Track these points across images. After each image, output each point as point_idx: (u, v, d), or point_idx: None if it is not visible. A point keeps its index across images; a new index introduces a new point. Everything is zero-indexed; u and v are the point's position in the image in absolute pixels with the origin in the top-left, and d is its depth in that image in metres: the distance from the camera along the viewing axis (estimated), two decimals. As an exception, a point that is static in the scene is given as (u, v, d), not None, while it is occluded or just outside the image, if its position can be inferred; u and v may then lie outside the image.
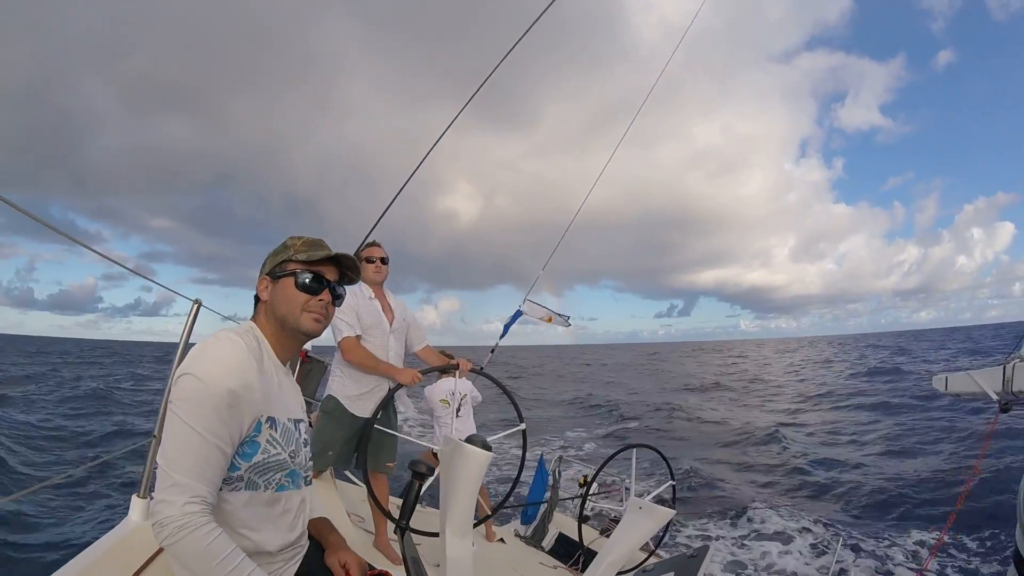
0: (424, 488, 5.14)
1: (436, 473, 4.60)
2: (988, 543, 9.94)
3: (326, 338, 4.16)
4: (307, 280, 1.95)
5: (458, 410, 6.34)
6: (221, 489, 1.73)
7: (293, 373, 2.46)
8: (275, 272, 1.98)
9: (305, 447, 2.05)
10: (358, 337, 4.15)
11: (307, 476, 2.07)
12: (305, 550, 2.08)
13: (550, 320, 6.67)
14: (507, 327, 6.47)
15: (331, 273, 2.02)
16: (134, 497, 2.54)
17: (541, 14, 4.25)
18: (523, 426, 4.50)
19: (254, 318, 2.00)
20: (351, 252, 4.32)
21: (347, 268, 2.08)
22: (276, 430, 1.85)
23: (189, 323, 2.83)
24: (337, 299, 2.05)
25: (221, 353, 1.72)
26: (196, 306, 2.86)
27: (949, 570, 9.34)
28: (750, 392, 37.82)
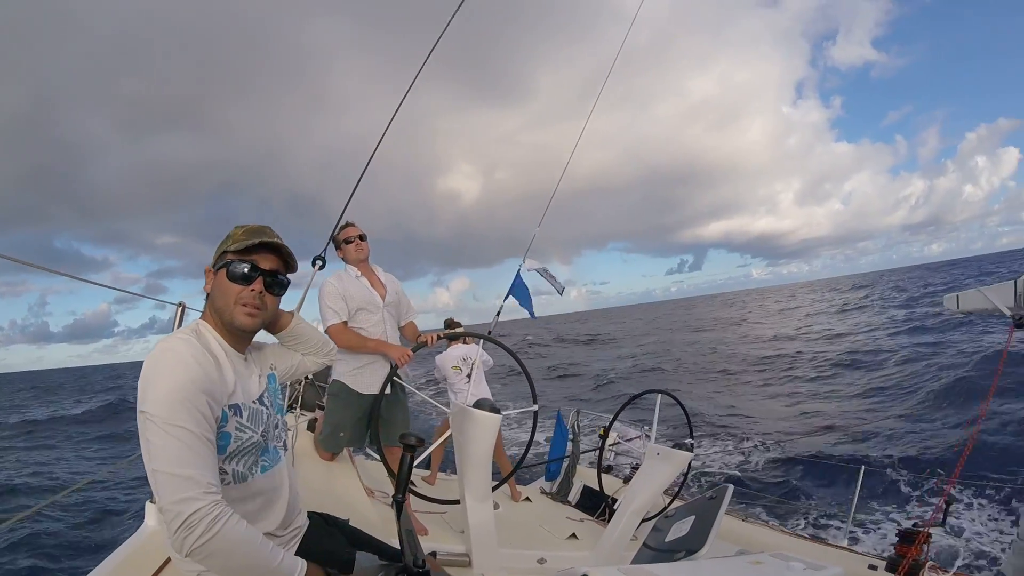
0: (423, 457, 5.17)
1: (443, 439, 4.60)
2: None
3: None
4: (239, 270, 1.88)
5: (469, 375, 6.39)
6: None
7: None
8: (216, 264, 1.93)
9: (273, 420, 2.02)
10: (345, 323, 4.16)
11: (282, 443, 2.06)
12: (303, 531, 2.11)
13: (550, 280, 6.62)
14: (512, 288, 6.45)
15: (268, 262, 1.94)
16: (148, 503, 2.56)
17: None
18: (535, 407, 4.50)
19: (203, 315, 1.97)
20: (331, 235, 4.34)
21: (287, 256, 2.01)
22: (243, 416, 1.84)
23: (176, 326, 2.83)
24: (277, 288, 1.99)
25: (173, 353, 1.69)
26: (180, 308, 2.86)
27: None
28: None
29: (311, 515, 2.25)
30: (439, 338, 4.46)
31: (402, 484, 1.88)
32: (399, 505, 1.87)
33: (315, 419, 5.86)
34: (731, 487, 3.59)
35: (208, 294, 1.94)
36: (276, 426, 2.02)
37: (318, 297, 4.21)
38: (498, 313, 6.46)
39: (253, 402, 1.91)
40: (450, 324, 6.68)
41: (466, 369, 6.40)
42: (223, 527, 1.52)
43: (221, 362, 1.82)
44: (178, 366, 1.66)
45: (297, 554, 1.90)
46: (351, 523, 2.47)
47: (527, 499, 6.44)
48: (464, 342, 6.60)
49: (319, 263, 4.19)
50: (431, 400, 5.09)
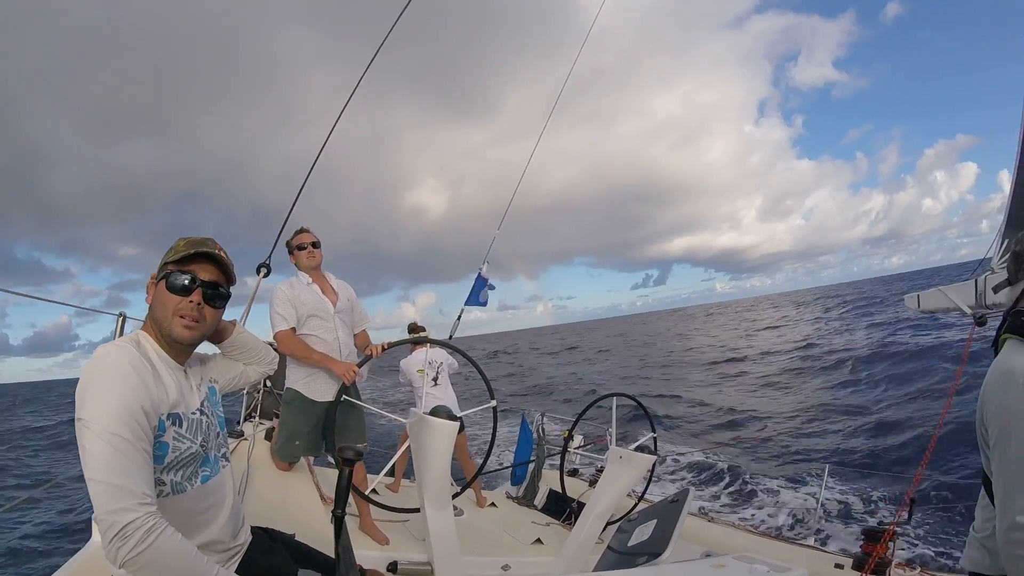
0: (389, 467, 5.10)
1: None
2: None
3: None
4: (179, 281, 1.86)
5: (435, 379, 6.31)
6: None
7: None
8: (158, 275, 1.90)
9: (213, 430, 1.98)
10: (293, 330, 4.09)
11: (223, 453, 2.02)
12: (245, 547, 2.04)
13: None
14: (472, 291, 6.46)
15: (207, 272, 1.91)
16: (94, 518, 2.46)
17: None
18: (494, 403, 4.44)
19: (144, 326, 1.92)
20: (285, 241, 4.24)
21: (227, 268, 1.97)
22: (181, 426, 1.79)
23: (117, 335, 2.73)
24: (218, 300, 1.95)
25: (110, 361, 1.66)
26: (121, 319, 2.76)
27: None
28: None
29: (254, 530, 2.18)
30: (384, 349, 4.36)
31: (340, 499, 1.81)
32: (338, 521, 1.80)
33: (273, 428, 5.74)
34: (692, 490, 3.56)
35: (150, 305, 1.90)
36: (216, 436, 1.98)
37: (269, 303, 4.14)
38: (458, 318, 6.45)
39: (193, 412, 1.87)
40: (414, 328, 6.62)
41: (431, 373, 6.33)
42: (156, 539, 1.48)
43: (160, 371, 1.79)
44: (115, 374, 1.63)
45: (238, 571, 1.88)
46: (304, 535, 2.41)
47: (492, 504, 6.37)
48: (412, 349, 6.52)
49: (263, 271, 4.09)
50: (383, 412, 4.99)
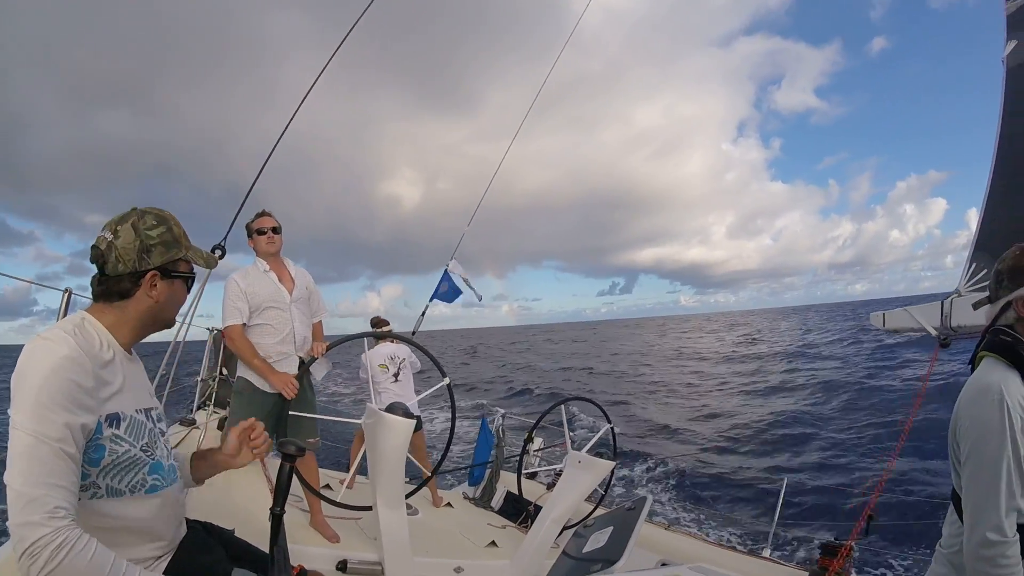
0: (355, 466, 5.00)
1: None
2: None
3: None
4: (190, 280, 1.91)
5: (397, 375, 6.22)
6: (80, 499, 1.56)
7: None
8: (168, 270, 1.82)
9: (164, 436, 1.88)
10: (244, 325, 4.00)
11: (175, 464, 1.93)
12: (177, 542, 1.93)
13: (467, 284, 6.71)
14: (438, 288, 6.42)
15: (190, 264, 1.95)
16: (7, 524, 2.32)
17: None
18: (447, 380, 4.39)
19: (91, 307, 1.79)
20: (246, 223, 4.12)
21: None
22: (119, 427, 1.67)
23: (62, 313, 2.60)
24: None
25: (47, 353, 1.55)
26: (67, 295, 2.63)
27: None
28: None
29: (191, 524, 2.05)
30: (328, 349, 4.27)
31: (279, 496, 1.70)
32: (276, 519, 1.70)
33: (226, 417, 5.60)
34: (650, 498, 3.52)
35: (150, 298, 1.80)
36: (163, 434, 1.88)
37: (223, 291, 4.04)
38: (423, 313, 6.37)
39: (136, 411, 1.75)
40: (377, 323, 6.52)
41: (393, 368, 6.25)
42: (65, 558, 1.40)
43: (106, 363, 1.68)
44: (50, 370, 1.52)
45: (168, 570, 1.79)
46: (245, 530, 2.32)
47: (448, 504, 6.28)
48: (374, 343, 6.43)
49: (218, 252, 3.97)
50: (335, 418, 4.91)
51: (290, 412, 3.99)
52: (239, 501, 3.90)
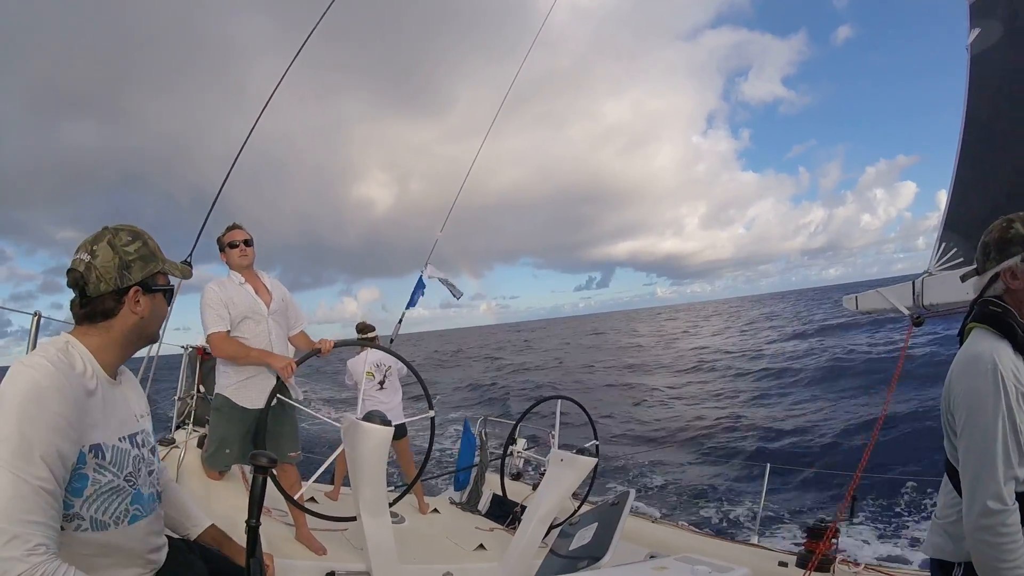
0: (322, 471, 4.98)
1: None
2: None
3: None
4: (167, 292, 1.91)
5: (383, 383, 6.17)
6: (63, 529, 1.55)
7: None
8: (148, 284, 1.81)
9: (147, 461, 1.85)
10: (227, 332, 3.92)
11: (157, 491, 1.90)
12: (160, 564, 1.91)
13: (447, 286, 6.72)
14: (414, 295, 6.40)
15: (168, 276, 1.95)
16: None
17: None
18: (432, 413, 4.36)
19: (75, 330, 1.77)
20: (217, 237, 4.08)
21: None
22: (104, 457, 1.66)
23: (32, 337, 2.55)
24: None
25: (29, 383, 1.51)
26: (36, 318, 2.58)
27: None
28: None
29: (172, 541, 2.03)
30: (335, 347, 4.23)
31: (254, 508, 1.67)
32: (252, 532, 1.67)
33: (205, 435, 5.55)
34: (632, 492, 3.53)
35: (134, 313, 1.79)
36: (150, 473, 1.85)
37: (200, 304, 3.94)
38: (399, 322, 6.33)
39: (120, 439, 1.73)
40: (363, 328, 6.44)
41: (379, 376, 6.19)
42: None
43: (90, 392, 1.66)
44: (32, 400, 1.50)
45: None
46: (227, 548, 2.28)
47: (435, 511, 6.27)
48: (361, 349, 6.36)
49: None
50: (316, 414, 4.84)
51: (268, 427, 3.95)
52: (219, 519, 3.85)
